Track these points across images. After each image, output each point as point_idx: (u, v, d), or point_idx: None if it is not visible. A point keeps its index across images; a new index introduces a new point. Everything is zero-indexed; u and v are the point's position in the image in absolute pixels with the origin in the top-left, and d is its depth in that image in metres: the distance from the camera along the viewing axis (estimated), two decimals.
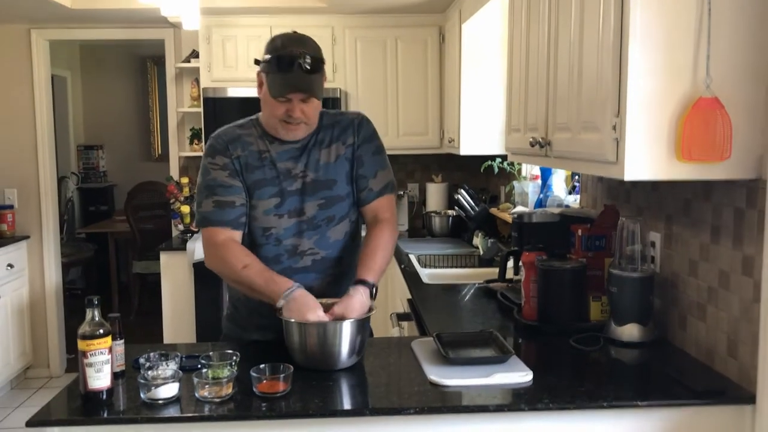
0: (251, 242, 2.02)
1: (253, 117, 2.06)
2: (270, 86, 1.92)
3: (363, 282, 1.89)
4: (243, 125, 2.07)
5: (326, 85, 2.03)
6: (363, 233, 2.09)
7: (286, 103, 1.91)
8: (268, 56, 1.92)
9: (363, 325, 1.81)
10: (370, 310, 1.86)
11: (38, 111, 4.75)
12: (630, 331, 1.99)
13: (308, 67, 1.87)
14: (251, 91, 4.27)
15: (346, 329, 1.76)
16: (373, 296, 1.90)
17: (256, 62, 1.98)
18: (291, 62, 1.86)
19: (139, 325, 5.69)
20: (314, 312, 1.79)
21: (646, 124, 1.58)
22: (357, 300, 1.83)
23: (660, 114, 1.57)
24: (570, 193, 3.16)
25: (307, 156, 2.02)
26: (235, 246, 1.96)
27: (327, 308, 1.82)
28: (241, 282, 1.94)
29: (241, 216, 1.99)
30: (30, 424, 1.54)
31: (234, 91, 4.34)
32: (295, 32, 1.97)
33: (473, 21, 3.63)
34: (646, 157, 1.59)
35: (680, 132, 1.57)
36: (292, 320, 1.78)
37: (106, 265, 6.49)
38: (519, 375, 1.70)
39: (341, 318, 1.78)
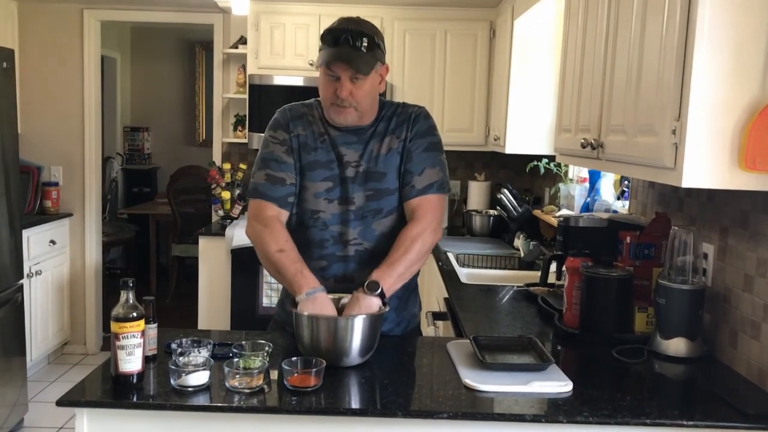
0: (300, 222, 2.01)
1: (319, 98, 2.05)
2: (319, 59, 1.94)
3: (373, 287, 1.82)
4: (308, 105, 2.08)
5: None
6: None
7: (334, 82, 1.91)
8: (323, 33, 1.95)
9: (374, 324, 1.77)
10: (386, 306, 1.82)
11: (87, 91, 4.81)
12: (676, 346, 1.90)
13: (355, 43, 1.88)
14: (297, 80, 4.31)
15: (357, 326, 1.73)
16: (384, 302, 1.84)
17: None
18: (338, 36, 1.89)
19: (175, 307, 5.76)
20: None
21: (709, 129, 1.49)
22: (359, 309, 1.79)
23: (724, 120, 1.49)
24: (618, 198, 3.06)
25: (365, 146, 2.00)
26: (279, 227, 1.97)
27: (339, 304, 1.84)
28: (272, 263, 1.93)
29: (289, 195, 2.00)
30: (60, 403, 1.54)
31: (280, 79, 4.33)
32: (358, 17, 1.97)
33: (526, 17, 3.55)
34: (706, 164, 1.51)
35: (744, 140, 1.48)
36: (305, 313, 1.75)
37: (146, 246, 6.58)
38: (558, 384, 1.63)
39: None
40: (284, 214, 2.00)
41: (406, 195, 2.01)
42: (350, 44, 1.88)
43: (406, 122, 2.03)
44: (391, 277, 1.87)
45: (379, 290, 1.83)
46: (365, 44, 1.90)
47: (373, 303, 1.81)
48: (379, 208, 1.99)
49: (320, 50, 1.95)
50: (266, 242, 1.94)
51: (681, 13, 1.52)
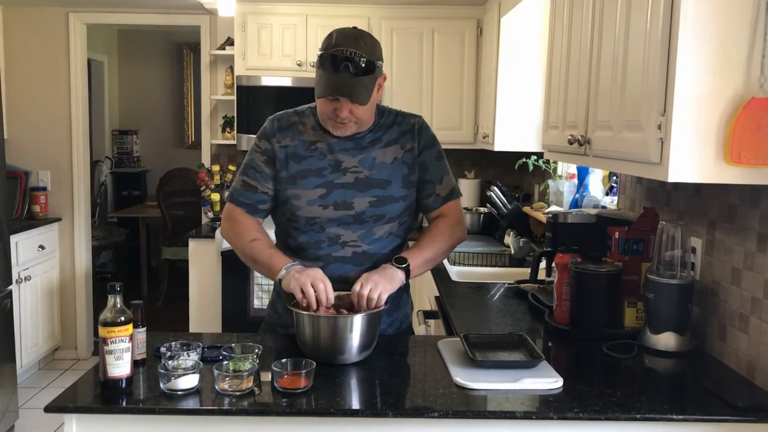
0: (296, 228, 2.02)
1: (312, 105, 2.02)
2: (317, 83, 1.90)
3: (401, 261, 1.92)
4: (300, 112, 2.06)
5: None
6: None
7: (334, 102, 1.88)
8: (320, 52, 1.89)
9: (374, 320, 1.79)
10: (386, 303, 1.83)
11: (74, 94, 4.78)
12: (666, 340, 1.91)
13: (354, 69, 1.82)
14: (285, 80, 4.30)
15: (357, 323, 1.74)
16: (407, 277, 1.93)
17: None
18: (338, 63, 1.83)
19: (166, 310, 5.74)
20: (315, 274, 1.81)
21: (694, 124, 1.50)
22: (383, 273, 1.87)
23: (709, 114, 1.49)
24: (607, 194, 3.07)
25: (363, 152, 2.00)
26: (249, 220, 2.03)
27: (341, 300, 1.85)
28: (247, 254, 2.00)
29: (259, 202, 2.03)
30: (48, 410, 1.52)
31: (268, 80, 4.32)
32: (354, 28, 1.92)
33: (512, 14, 3.55)
34: (692, 158, 1.51)
35: (729, 133, 1.49)
36: (304, 313, 1.77)
37: (136, 250, 6.54)
38: (548, 381, 1.63)
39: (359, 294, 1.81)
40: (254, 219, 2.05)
41: (432, 204, 2.05)
42: (350, 71, 1.82)
43: (410, 133, 2.04)
44: (419, 258, 1.95)
45: (406, 264, 1.90)
46: (364, 68, 1.83)
47: (397, 274, 1.88)
48: (382, 214, 1.99)
49: (318, 70, 1.89)
50: (239, 234, 2.01)
51: (665, 7, 1.52)
